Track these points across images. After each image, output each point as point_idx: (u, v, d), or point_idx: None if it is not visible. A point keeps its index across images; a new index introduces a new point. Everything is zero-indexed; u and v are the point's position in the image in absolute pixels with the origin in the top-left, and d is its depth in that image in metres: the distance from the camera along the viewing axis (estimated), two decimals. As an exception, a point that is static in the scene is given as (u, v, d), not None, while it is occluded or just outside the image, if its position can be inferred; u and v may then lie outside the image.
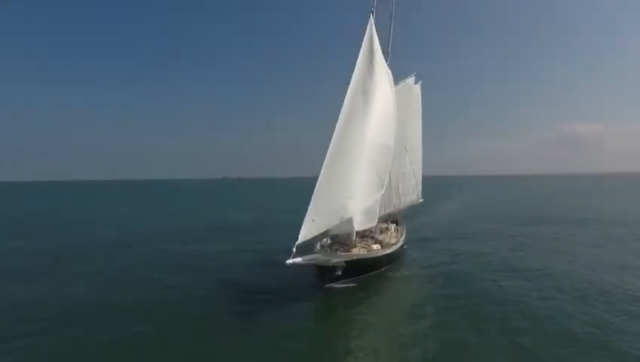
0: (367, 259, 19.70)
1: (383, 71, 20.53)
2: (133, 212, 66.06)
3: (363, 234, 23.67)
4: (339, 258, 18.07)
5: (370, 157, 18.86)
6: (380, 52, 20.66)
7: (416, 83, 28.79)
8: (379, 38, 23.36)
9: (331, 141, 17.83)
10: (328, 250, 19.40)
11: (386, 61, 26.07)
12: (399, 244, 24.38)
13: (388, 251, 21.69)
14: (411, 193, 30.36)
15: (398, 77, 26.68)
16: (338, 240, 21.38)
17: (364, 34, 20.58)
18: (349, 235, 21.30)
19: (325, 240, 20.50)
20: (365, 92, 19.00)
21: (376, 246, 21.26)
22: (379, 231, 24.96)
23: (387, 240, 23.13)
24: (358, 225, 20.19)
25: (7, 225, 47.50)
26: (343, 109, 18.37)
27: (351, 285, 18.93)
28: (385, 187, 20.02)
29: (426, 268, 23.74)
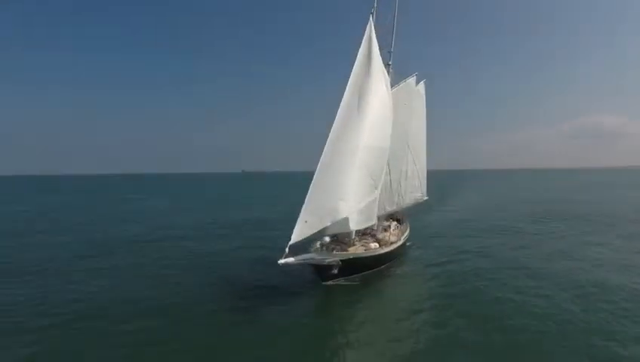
0: (364, 258, 20.07)
1: (379, 73, 20.65)
2: (152, 206, 67.79)
3: (364, 233, 24.06)
4: (334, 257, 18.47)
5: (364, 160, 19.05)
6: (378, 54, 20.76)
7: (418, 82, 28.70)
8: (381, 37, 23.41)
9: (326, 143, 18.15)
10: (325, 249, 19.77)
11: (389, 61, 26.27)
12: (400, 242, 24.62)
13: (387, 249, 21.99)
14: (415, 191, 30.43)
15: (400, 76, 26.76)
16: (338, 238, 21.77)
17: (363, 33, 20.72)
18: (349, 234, 21.70)
19: (326, 238, 20.91)
20: (361, 95, 19.18)
21: (374, 245, 21.57)
22: (381, 230, 25.26)
23: (387, 238, 23.38)
24: (355, 225, 20.54)
25: (26, 220, 49.17)
26: (338, 112, 18.65)
27: (350, 283, 19.42)
28: (379, 188, 20.16)
29: (428, 265, 24.02)
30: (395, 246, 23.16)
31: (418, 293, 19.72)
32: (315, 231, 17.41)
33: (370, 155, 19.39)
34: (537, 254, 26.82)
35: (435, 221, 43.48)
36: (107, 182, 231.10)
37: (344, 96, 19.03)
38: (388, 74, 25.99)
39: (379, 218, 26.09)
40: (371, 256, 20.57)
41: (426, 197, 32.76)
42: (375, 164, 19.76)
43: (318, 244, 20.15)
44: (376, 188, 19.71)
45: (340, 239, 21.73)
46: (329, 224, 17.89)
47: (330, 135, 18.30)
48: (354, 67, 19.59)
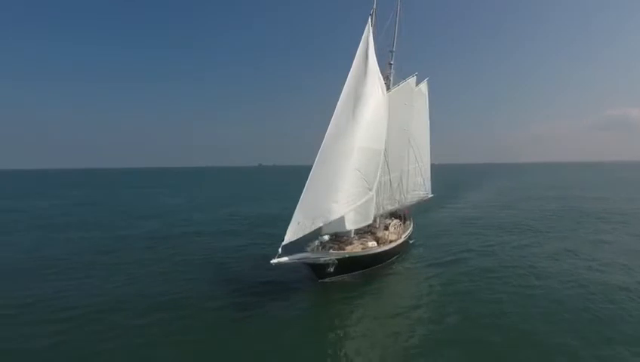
0: (360, 256, 20.59)
1: (375, 76, 20.90)
2: (170, 201, 69.24)
3: (366, 231, 24.54)
4: (329, 256, 19.10)
5: (358, 162, 19.42)
6: (374, 56, 21.01)
7: (419, 82, 28.77)
8: (383, 37, 23.69)
9: (320, 147, 18.66)
10: (322, 248, 20.36)
11: (391, 60, 26.56)
12: (401, 240, 25.04)
13: (385, 248, 22.47)
14: (418, 189, 30.64)
15: (402, 75, 26.99)
16: (336, 237, 22.28)
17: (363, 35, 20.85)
18: (348, 232, 22.20)
19: (325, 237, 21.41)
20: (356, 98, 19.55)
21: (371, 244, 22.06)
22: (382, 228, 25.71)
23: (386, 236, 23.83)
24: (352, 224, 21.03)
25: (51, 216, 51.09)
26: (333, 115, 19.11)
27: (347, 279, 20.10)
28: (374, 189, 20.52)
29: (429, 263, 24.33)
30: (394, 244, 23.58)
31: (415, 291, 20.16)
32: (307, 232, 17.97)
33: (364, 157, 19.79)
34: (543, 253, 26.64)
35: (444, 218, 43.44)
36: (124, 176, 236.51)
37: (339, 99, 19.48)
38: (390, 73, 26.37)
39: (381, 216, 26.58)
40: (367, 255, 21.09)
41: (431, 195, 32.90)
42: (369, 166, 20.11)
43: (317, 243, 20.76)
44: (370, 189, 20.10)
45: (339, 238, 22.31)
46: (321, 225, 18.45)
47: (325, 137, 18.81)
48: (350, 72, 19.96)
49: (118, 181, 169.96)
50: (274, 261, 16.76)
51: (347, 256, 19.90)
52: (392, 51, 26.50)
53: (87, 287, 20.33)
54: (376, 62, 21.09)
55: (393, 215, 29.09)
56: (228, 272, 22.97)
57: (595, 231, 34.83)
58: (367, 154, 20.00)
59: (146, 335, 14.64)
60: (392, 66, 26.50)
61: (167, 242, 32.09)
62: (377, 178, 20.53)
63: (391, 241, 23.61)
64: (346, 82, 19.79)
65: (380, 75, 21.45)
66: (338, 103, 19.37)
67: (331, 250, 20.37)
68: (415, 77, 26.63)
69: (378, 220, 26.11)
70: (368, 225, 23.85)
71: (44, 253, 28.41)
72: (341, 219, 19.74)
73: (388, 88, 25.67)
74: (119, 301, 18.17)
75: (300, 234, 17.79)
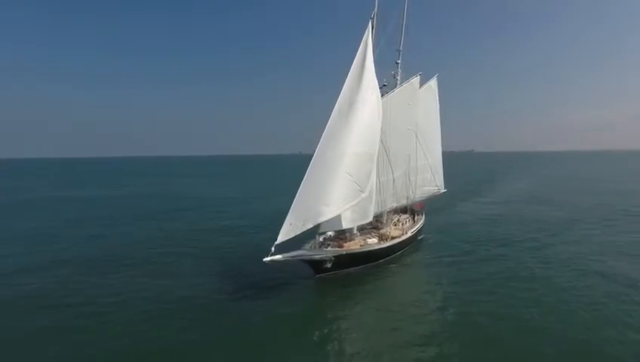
0: (357, 253, 21.44)
1: (371, 80, 21.30)
2: (212, 194, 71.30)
3: (373, 226, 25.38)
4: (325, 253, 20.18)
5: (349, 167, 20.08)
6: (372, 60, 21.41)
7: (427, 81, 28.77)
8: (389, 37, 24.32)
9: (315, 152, 19.65)
10: (320, 245, 21.38)
11: (398, 59, 26.91)
12: (406, 236, 25.58)
13: (385, 245, 23.15)
14: (428, 185, 30.70)
15: (409, 74, 27.25)
16: (339, 233, 23.19)
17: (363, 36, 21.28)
18: (350, 229, 23.12)
19: (329, 233, 22.49)
20: (351, 103, 20.19)
21: (372, 240, 22.81)
22: (390, 223, 26.42)
23: (388, 233, 24.45)
24: (349, 223, 22.01)
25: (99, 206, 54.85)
26: (329, 121, 19.93)
27: (345, 274, 20.95)
28: (368, 191, 21.04)
29: (433, 260, 24.69)
30: (396, 241, 24.20)
31: (413, 286, 20.92)
32: (298, 233, 18.93)
33: (356, 161, 20.42)
34: (557, 254, 25.82)
35: (462, 212, 42.74)
36: (174, 164, 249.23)
37: (336, 104, 20.25)
38: (397, 72, 26.77)
39: (389, 212, 27.26)
40: (365, 252, 21.94)
41: (443, 190, 32.76)
42: (361, 169, 20.70)
43: (321, 238, 21.89)
44: (362, 191, 20.69)
45: (342, 233, 23.26)
46: (311, 226, 19.36)
47: (320, 142, 19.72)
48: (347, 76, 20.63)
49: (173, 170, 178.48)
50: (266, 259, 17.50)
51: (344, 253, 20.77)
52: (399, 50, 26.82)
53: (123, 279, 22.69)
54: (373, 65, 21.47)
55: (403, 210, 29.43)
56: (243, 267, 24.19)
57: (618, 231, 32.80)
58: (360, 159, 20.60)
59: (160, 325, 16.39)
60: (400, 65, 26.85)
61: (201, 235, 34.30)
62: (370, 180, 21.13)
63: (393, 237, 24.21)
64: (343, 87, 20.46)
65: (376, 80, 21.78)
66: (333, 112, 20.13)
67: (329, 247, 21.36)
68: (419, 77, 26.73)
69: (385, 216, 26.85)
70: (375, 221, 24.68)
71: (95, 245, 31.56)
72: (338, 218, 20.67)
73: (394, 87, 26.16)
74: (144, 292, 20.18)
75: (292, 235, 18.68)
